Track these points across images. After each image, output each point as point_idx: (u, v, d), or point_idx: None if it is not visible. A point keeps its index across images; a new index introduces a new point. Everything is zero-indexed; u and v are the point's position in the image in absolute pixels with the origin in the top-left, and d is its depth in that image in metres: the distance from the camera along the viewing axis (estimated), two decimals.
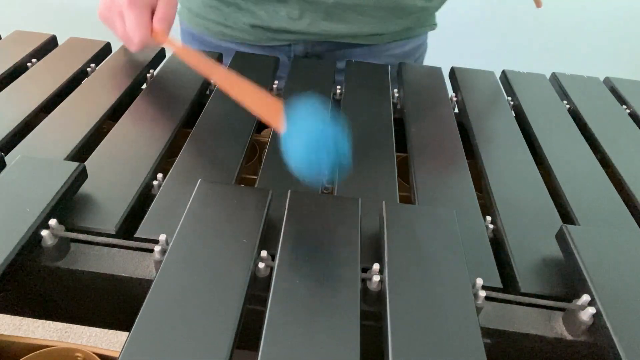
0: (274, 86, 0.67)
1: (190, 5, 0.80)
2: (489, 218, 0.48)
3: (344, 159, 0.41)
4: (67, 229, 0.40)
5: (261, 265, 0.38)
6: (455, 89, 0.72)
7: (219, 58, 0.72)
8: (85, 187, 0.45)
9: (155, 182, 0.48)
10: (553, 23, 1.55)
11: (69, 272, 0.40)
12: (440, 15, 0.86)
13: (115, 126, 0.55)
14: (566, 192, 0.52)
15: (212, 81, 0.61)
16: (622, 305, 0.36)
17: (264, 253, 0.38)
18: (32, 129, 0.53)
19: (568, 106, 0.70)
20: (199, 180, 0.43)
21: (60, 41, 0.73)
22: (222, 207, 0.41)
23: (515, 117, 0.66)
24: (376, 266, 0.38)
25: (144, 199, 0.47)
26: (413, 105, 0.65)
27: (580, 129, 0.63)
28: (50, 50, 0.70)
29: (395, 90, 0.69)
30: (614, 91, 0.74)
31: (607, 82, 0.77)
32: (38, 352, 0.42)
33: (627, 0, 1.54)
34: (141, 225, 0.43)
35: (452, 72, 0.75)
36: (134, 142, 0.53)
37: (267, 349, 0.31)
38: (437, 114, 0.64)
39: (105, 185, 0.46)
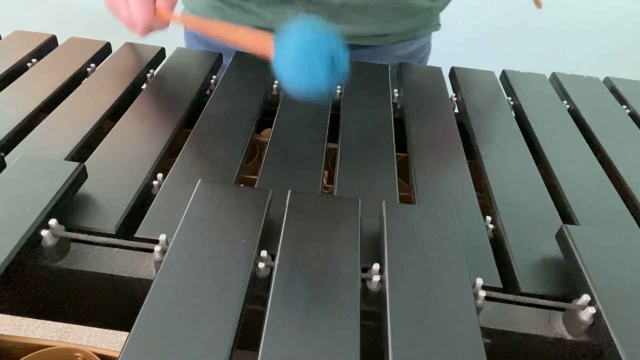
0: (274, 86, 0.67)
1: (194, 7, 0.80)
2: (489, 218, 0.48)
3: (339, 63, 0.39)
4: (67, 229, 0.40)
5: (261, 265, 0.38)
6: (455, 89, 0.72)
7: (219, 58, 0.72)
8: (85, 187, 0.45)
9: (155, 182, 0.48)
10: (553, 23, 1.55)
11: (69, 272, 0.40)
12: (441, 16, 0.86)
13: (115, 126, 0.55)
14: (566, 192, 0.52)
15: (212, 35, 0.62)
16: (622, 305, 0.36)
17: (264, 253, 0.38)
18: (32, 129, 0.53)
19: (568, 106, 0.70)
20: (199, 180, 0.43)
21: (60, 41, 0.73)
22: (222, 207, 0.41)
23: (515, 117, 0.66)
24: (376, 266, 0.38)
25: (144, 199, 0.47)
26: (413, 105, 0.65)
27: (580, 129, 0.63)
28: (50, 50, 0.70)
29: (395, 90, 0.69)
30: (614, 91, 0.74)
31: (607, 82, 0.77)
32: (38, 352, 0.42)
33: (627, 1, 1.54)
34: (141, 225, 0.43)
35: (452, 72, 0.75)
36: (134, 142, 0.53)
37: (267, 349, 0.31)
38: (437, 114, 0.64)
39: (105, 185, 0.46)
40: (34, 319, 0.48)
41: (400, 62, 0.75)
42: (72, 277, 0.41)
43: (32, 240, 0.38)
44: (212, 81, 0.68)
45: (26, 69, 0.66)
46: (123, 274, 0.40)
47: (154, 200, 0.45)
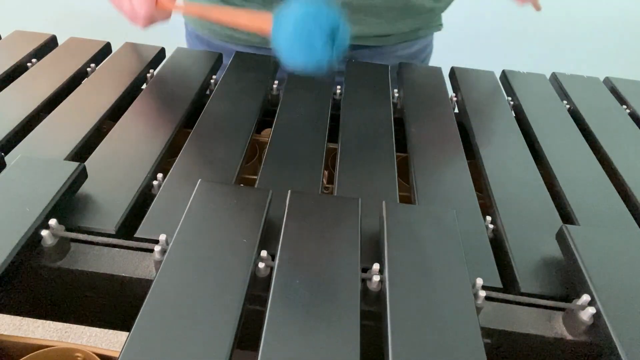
0: (274, 86, 0.67)
1: None
2: (489, 218, 0.48)
3: (339, 36, 0.38)
4: (67, 229, 0.40)
5: (261, 265, 0.38)
6: (455, 89, 0.72)
7: (219, 58, 0.72)
8: (85, 187, 0.45)
9: (155, 182, 0.48)
10: (553, 23, 1.55)
11: (69, 272, 0.40)
12: (442, 16, 0.86)
13: (115, 126, 0.55)
14: (566, 192, 0.52)
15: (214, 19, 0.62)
16: (622, 305, 0.36)
17: (264, 253, 0.38)
18: (32, 129, 0.53)
19: (568, 106, 0.70)
20: (199, 180, 0.43)
21: (60, 41, 0.73)
22: (222, 207, 0.41)
23: (515, 117, 0.66)
24: (376, 266, 0.38)
25: (144, 199, 0.47)
26: (413, 105, 0.65)
27: (580, 129, 0.63)
28: (50, 50, 0.70)
29: (395, 90, 0.69)
30: (614, 91, 0.74)
31: (607, 82, 0.77)
32: (38, 352, 0.42)
33: (627, 1, 1.54)
34: (141, 225, 0.43)
35: (452, 72, 0.75)
36: (134, 142, 0.53)
37: (267, 349, 0.31)
38: (437, 114, 0.64)
39: (105, 185, 0.46)
40: (34, 319, 0.48)
41: (400, 62, 0.75)
42: (72, 277, 0.41)
43: (32, 240, 0.38)
44: (212, 81, 0.68)
45: (26, 69, 0.66)
46: (123, 274, 0.40)
47: (154, 200, 0.45)
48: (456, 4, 0.83)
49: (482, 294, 0.37)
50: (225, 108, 0.60)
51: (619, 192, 0.52)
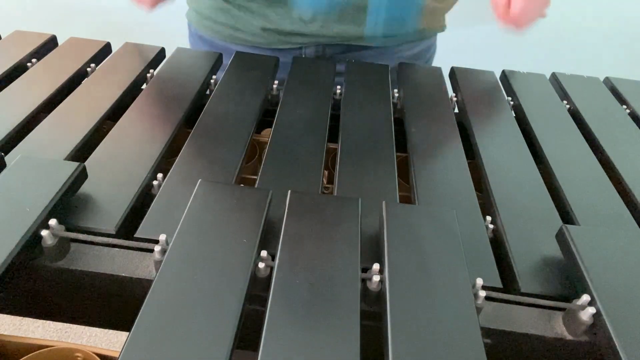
0: (274, 86, 0.67)
1: (199, 8, 0.80)
2: (489, 218, 0.48)
3: None
4: (67, 229, 0.40)
5: (261, 265, 0.38)
6: (455, 89, 0.72)
7: (219, 58, 0.72)
8: (85, 187, 0.45)
9: (155, 182, 0.48)
10: (553, 23, 1.55)
11: (69, 272, 0.40)
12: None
13: (115, 126, 0.55)
14: (566, 192, 0.52)
15: None
16: (622, 305, 0.36)
17: (264, 253, 0.38)
18: (32, 129, 0.53)
19: (568, 106, 0.70)
20: (199, 180, 0.43)
21: (60, 41, 0.73)
22: (222, 207, 0.41)
23: (515, 117, 0.66)
24: (376, 266, 0.38)
25: (144, 199, 0.47)
26: (413, 105, 0.65)
27: (580, 129, 0.63)
28: (50, 50, 0.70)
29: (395, 90, 0.69)
30: (614, 91, 0.74)
31: (607, 82, 0.77)
32: (38, 352, 0.42)
33: (627, 1, 1.54)
34: (141, 225, 0.43)
35: (452, 72, 0.75)
36: (134, 142, 0.53)
37: (267, 349, 0.31)
38: (437, 114, 0.64)
39: (105, 185, 0.46)
40: (34, 319, 0.49)
41: (400, 62, 0.75)
42: (72, 277, 0.41)
43: (32, 240, 0.38)
44: (212, 81, 0.68)
45: (26, 69, 0.66)
46: (123, 274, 0.40)
47: (154, 200, 0.45)
48: (457, 5, 0.83)
49: (482, 294, 0.37)
50: (225, 108, 0.60)
51: (619, 192, 0.52)
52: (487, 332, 0.39)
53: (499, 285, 0.41)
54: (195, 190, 0.42)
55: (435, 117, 0.63)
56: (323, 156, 0.53)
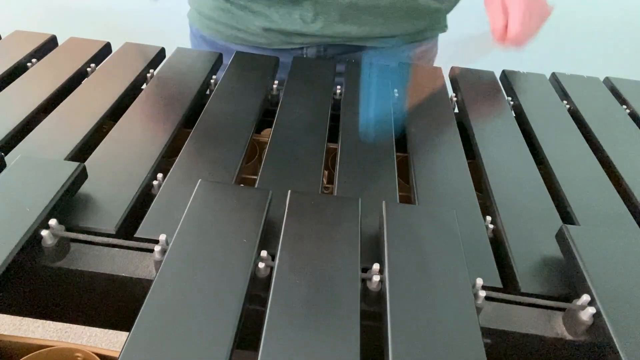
0: (274, 86, 0.67)
1: (201, 8, 0.80)
2: (489, 218, 0.48)
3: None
4: (67, 229, 0.40)
5: (261, 265, 0.38)
6: (455, 89, 0.72)
7: (219, 58, 0.72)
8: (85, 187, 0.45)
9: (155, 182, 0.48)
10: (553, 23, 1.55)
11: (69, 272, 0.40)
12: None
13: (115, 126, 0.55)
14: (566, 192, 0.52)
15: None
16: (622, 305, 0.36)
17: (264, 253, 0.38)
18: (32, 129, 0.53)
19: (568, 106, 0.70)
20: (199, 180, 0.43)
21: (60, 41, 0.73)
22: (222, 207, 0.41)
23: (515, 117, 0.66)
24: (376, 266, 0.38)
25: (144, 199, 0.47)
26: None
27: (580, 129, 0.63)
28: (50, 50, 0.70)
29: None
30: (614, 91, 0.74)
31: (607, 82, 0.77)
32: (38, 352, 0.42)
33: (627, 1, 1.54)
34: (141, 225, 0.43)
35: (452, 72, 0.75)
36: (134, 142, 0.53)
37: (267, 349, 0.31)
38: (437, 114, 0.64)
39: (105, 185, 0.46)
40: (34, 319, 0.49)
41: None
42: (72, 277, 0.41)
43: (32, 240, 0.38)
44: (212, 81, 0.68)
45: (26, 69, 0.66)
46: (123, 274, 0.40)
47: (154, 200, 0.45)
48: (458, 6, 0.83)
49: (482, 294, 0.37)
50: (225, 108, 0.60)
51: (619, 192, 0.52)
52: (487, 332, 0.39)
53: (499, 285, 0.41)
54: (195, 190, 0.42)
55: (435, 117, 0.63)
56: (323, 156, 0.53)
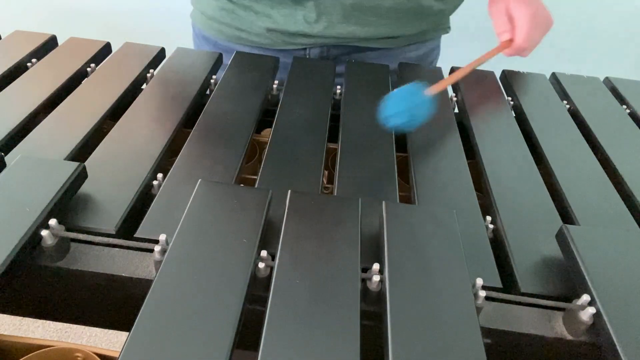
0: (274, 86, 0.67)
1: (204, 9, 0.80)
2: (489, 218, 0.48)
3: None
4: (67, 229, 0.40)
5: (261, 265, 0.38)
6: (456, 89, 0.72)
7: (219, 58, 0.72)
8: (85, 187, 0.45)
9: (155, 182, 0.48)
10: (553, 23, 1.55)
11: (69, 272, 0.40)
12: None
13: (115, 126, 0.55)
14: (566, 192, 0.52)
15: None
16: (622, 305, 0.36)
17: (264, 253, 0.38)
18: (32, 129, 0.53)
19: (568, 106, 0.70)
20: (199, 180, 0.43)
21: (60, 41, 0.73)
22: (222, 207, 0.41)
23: (515, 117, 0.66)
24: (376, 266, 0.38)
25: (144, 199, 0.47)
26: None
27: (580, 129, 0.63)
28: (50, 50, 0.70)
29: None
30: (614, 91, 0.74)
31: (607, 82, 0.77)
32: (38, 352, 0.42)
33: (627, 1, 1.54)
34: (141, 225, 0.43)
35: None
36: (134, 142, 0.53)
37: (267, 349, 0.31)
38: (437, 114, 0.64)
39: (105, 185, 0.46)
40: (34, 319, 0.49)
41: (400, 62, 0.75)
42: (72, 277, 0.41)
43: (32, 240, 0.38)
44: (212, 81, 0.68)
45: (26, 69, 0.66)
46: (123, 274, 0.40)
47: (154, 200, 0.45)
48: (461, 7, 0.83)
49: (482, 294, 0.37)
50: (225, 108, 0.60)
51: (619, 192, 0.52)
52: (487, 332, 0.39)
53: (499, 285, 0.41)
54: (195, 190, 0.42)
55: (436, 117, 0.63)
56: (323, 156, 0.53)
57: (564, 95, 0.72)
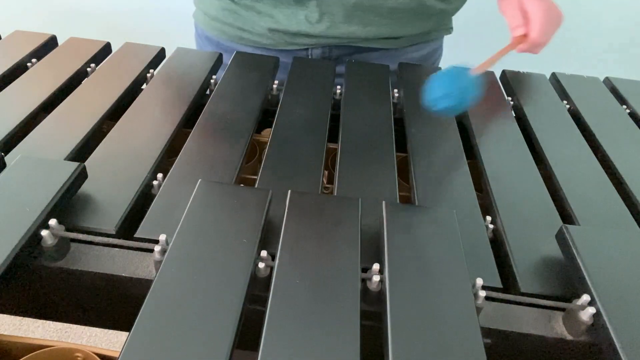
0: (274, 86, 0.67)
1: (206, 9, 0.80)
2: (489, 218, 0.48)
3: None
4: (67, 229, 0.40)
5: (261, 265, 0.38)
6: None
7: (219, 58, 0.72)
8: (85, 187, 0.45)
9: (155, 182, 0.48)
10: None
11: (69, 272, 0.40)
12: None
13: (115, 126, 0.55)
14: (566, 192, 0.52)
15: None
16: (622, 305, 0.36)
17: (264, 253, 0.38)
18: (32, 129, 0.53)
19: (568, 106, 0.70)
20: (199, 180, 0.43)
21: (60, 41, 0.73)
22: (222, 207, 0.41)
23: (515, 117, 0.66)
24: (376, 266, 0.38)
25: (144, 199, 0.47)
26: (413, 105, 0.65)
27: (580, 129, 0.63)
28: (50, 50, 0.70)
29: (395, 90, 0.69)
30: (614, 91, 0.74)
31: (607, 82, 0.77)
32: (38, 352, 0.42)
33: (627, 1, 1.54)
34: (141, 225, 0.43)
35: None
36: (134, 142, 0.53)
37: (267, 349, 0.31)
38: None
39: (105, 185, 0.46)
40: (34, 319, 0.49)
41: (400, 62, 0.75)
42: (72, 277, 0.41)
43: (32, 240, 0.38)
44: (212, 81, 0.68)
45: (26, 69, 0.66)
46: (123, 274, 0.40)
47: (154, 200, 0.45)
48: (464, 8, 0.83)
49: (482, 294, 0.37)
50: (225, 108, 0.60)
51: (619, 192, 0.52)
52: (487, 332, 0.39)
53: (499, 285, 0.41)
54: (195, 190, 0.42)
55: (435, 117, 0.63)
56: (323, 156, 0.53)
57: (564, 95, 0.72)
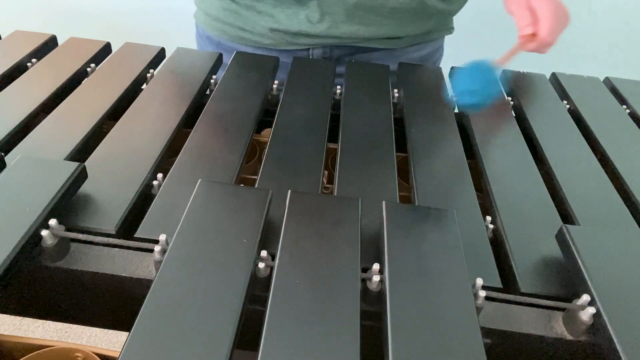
0: (274, 86, 0.67)
1: (207, 9, 0.80)
2: (489, 218, 0.48)
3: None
4: (67, 229, 0.40)
5: (261, 265, 0.38)
6: None
7: (219, 58, 0.72)
8: (85, 187, 0.45)
9: (155, 182, 0.48)
10: None
11: (69, 272, 0.40)
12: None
13: (115, 126, 0.55)
14: (566, 192, 0.52)
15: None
16: (622, 305, 0.36)
17: (264, 253, 0.38)
18: (32, 129, 0.53)
19: (568, 106, 0.70)
20: (199, 180, 0.43)
21: (60, 41, 0.73)
22: (222, 207, 0.41)
23: (515, 117, 0.66)
24: (376, 266, 0.38)
25: (144, 199, 0.47)
26: (413, 105, 0.65)
27: (580, 129, 0.63)
28: (50, 50, 0.70)
29: (395, 90, 0.69)
30: (614, 91, 0.74)
31: (607, 82, 0.77)
32: (38, 352, 0.42)
33: (628, 1, 1.54)
34: (141, 225, 0.43)
35: (452, 72, 0.74)
36: (134, 142, 0.53)
37: (267, 349, 0.31)
38: (437, 114, 0.64)
39: (105, 185, 0.46)
40: (34, 319, 0.49)
41: (400, 62, 0.75)
42: (72, 277, 0.41)
43: (32, 241, 0.38)
44: (212, 81, 0.68)
45: (26, 69, 0.66)
46: (123, 274, 0.40)
47: (154, 200, 0.45)
48: (465, 8, 0.83)
49: (482, 294, 0.37)
50: (225, 108, 0.60)
51: (619, 192, 0.52)
52: (487, 332, 0.39)
53: (499, 285, 0.41)
54: (195, 190, 0.42)
55: (435, 117, 0.63)
56: (323, 156, 0.53)
57: (564, 95, 0.72)
